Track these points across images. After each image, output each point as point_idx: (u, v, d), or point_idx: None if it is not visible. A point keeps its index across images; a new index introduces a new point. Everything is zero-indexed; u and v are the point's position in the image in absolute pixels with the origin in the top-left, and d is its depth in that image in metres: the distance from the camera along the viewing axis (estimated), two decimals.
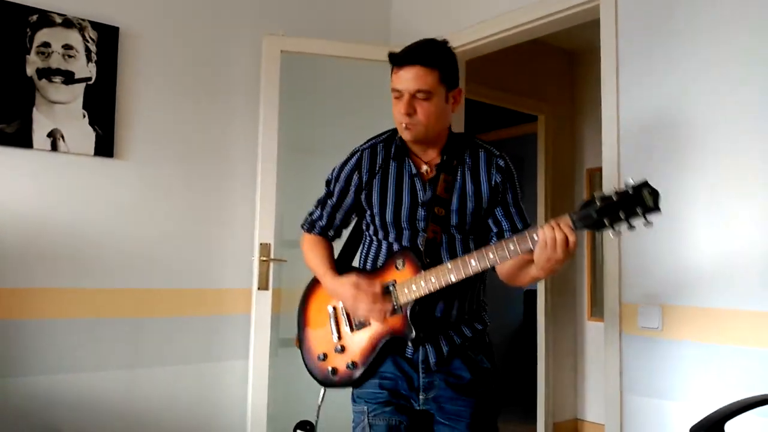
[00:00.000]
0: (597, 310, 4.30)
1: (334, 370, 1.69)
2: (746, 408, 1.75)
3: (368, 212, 1.73)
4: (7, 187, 2.40)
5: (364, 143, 1.77)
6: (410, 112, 1.59)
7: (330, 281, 1.71)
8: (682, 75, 2.27)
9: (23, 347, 2.41)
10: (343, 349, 1.68)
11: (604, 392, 2.44)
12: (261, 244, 2.85)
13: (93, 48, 2.59)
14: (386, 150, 1.72)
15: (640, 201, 1.31)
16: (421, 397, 1.64)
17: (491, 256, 1.47)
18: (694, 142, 2.23)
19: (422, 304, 1.59)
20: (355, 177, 1.73)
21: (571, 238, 1.38)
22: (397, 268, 1.62)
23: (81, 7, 2.57)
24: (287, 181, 2.97)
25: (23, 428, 2.37)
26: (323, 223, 1.81)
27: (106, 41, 2.62)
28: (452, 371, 1.64)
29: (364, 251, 1.76)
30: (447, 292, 1.60)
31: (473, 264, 1.50)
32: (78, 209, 2.55)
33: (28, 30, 2.44)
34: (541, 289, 4.37)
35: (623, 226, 1.34)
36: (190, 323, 2.80)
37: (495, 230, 1.69)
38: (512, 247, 1.45)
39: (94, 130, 2.58)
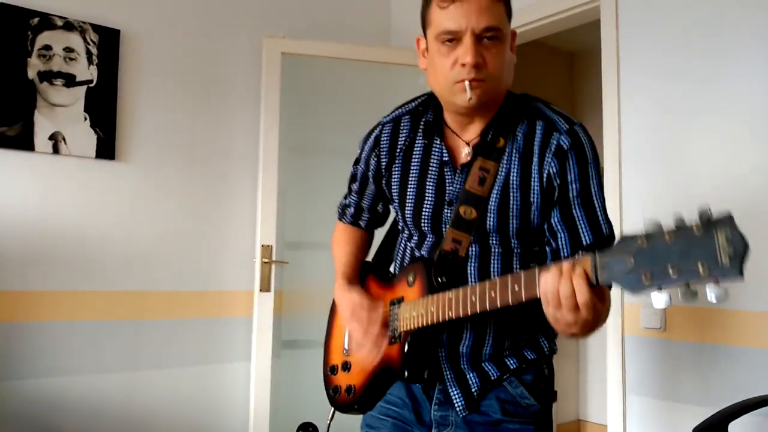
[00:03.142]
0: None
1: (336, 390, 1.37)
2: (749, 408, 1.75)
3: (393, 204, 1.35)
4: (8, 189, 2.40)
5: (389, 114, 1.36)
6: (479, 61, 1.10)
7: (337, 289, 1.40)
8: (683, 76, 2.27)
9: (24, 350, 2.41)
10: (348, 367, 1.35)
11: (606, 393, 2.44)
12: (262, 245, 2.85)
13: (94, 51, 2.59)
14: (413, 124, 1.29)
15: (708, 251, 0.71)
16: None
17: (493, 295, 1.01)
18: (695, 143, 2.23)
19: (433, 335, 1.20)
20: (373, 159, 1.34)
21: (582, 297, 0.86)
22: (408, 283, 1.24)
23: (82, 9, 2.58)
24: (288, 183, 2.97)
25: (25, 430, 2.37)
26: (352, 211, 1.47)
27: (107, 44, 2.62)
28: (479, 408, 1.23)
29: (397, 251, 1.39)
30: (477, 321, 1.18)
31: (473, 301, 1.05)
32: (79, 212, 2.55)
33: (29, 33, 2.45)
34: None
35: (679, 291, 0.74)
36: (191, 325, 2.80)
37: (552, 244, 1.18)
38: (516, 290, 0.97)
39: (96, 132, 2.58)
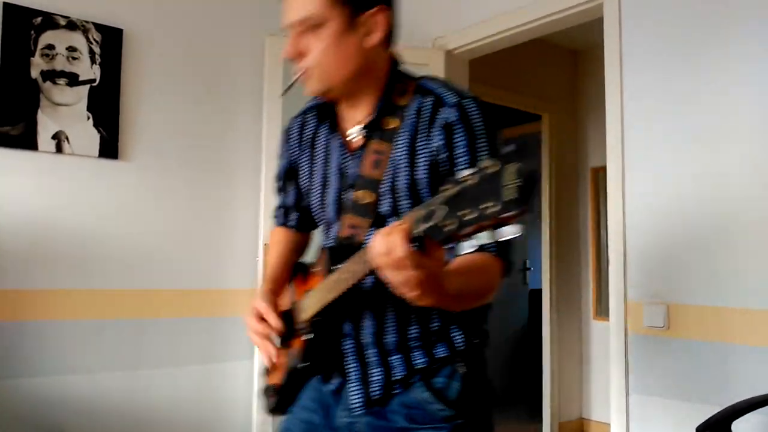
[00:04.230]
0: (602, 308, 4.29)
1: (265, 391, 1.34)
2: (753, 407, 1.75)
3: None
4: (12, 188, 2.41)
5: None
6: (294, 54, 1.14)
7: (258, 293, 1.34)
8: (686, 72, 2.26)
9: (27, 348, 2.41)
10: (274, 368, 1.31)
11: (609, 392, 2.43)
12: (265, 244, 2.85)
13: (97, 50, 2.59)
14: (318, 116, 1.31)
15: (498, 188, 0.69)
16: None
17: (355, 268, 0.98)
18: (699, 141, 2.22)
19: (334, 323, 1.17)
20: (286, 153, 1.38)
21: (398, 253, 0.81)
22: (315, 275, 1.23)
23: (85, 9, 2.58)
24: None
25: (27, 429, 2.38)
26: (281, 212, 1.46)
27: (110, 43, 2.62)
28: (383, 412, 1.15)
29: None
30: (376, 306, 1.15)
31: (344, 278, 1.01)
32: (82, 211, 2.56)
33: (32, 32, 2.45)
34: (546, 288, 4.36)
35: (481, 233, 0.73)
36: (194, 324, 2.80)
37: None
38: (366, 259, 0.91)
39: (99, 131, 2.58)
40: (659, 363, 2.28)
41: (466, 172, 0.74)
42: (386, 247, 0.82)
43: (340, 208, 1.21)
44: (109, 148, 2.60)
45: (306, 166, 1.30)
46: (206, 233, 2.87)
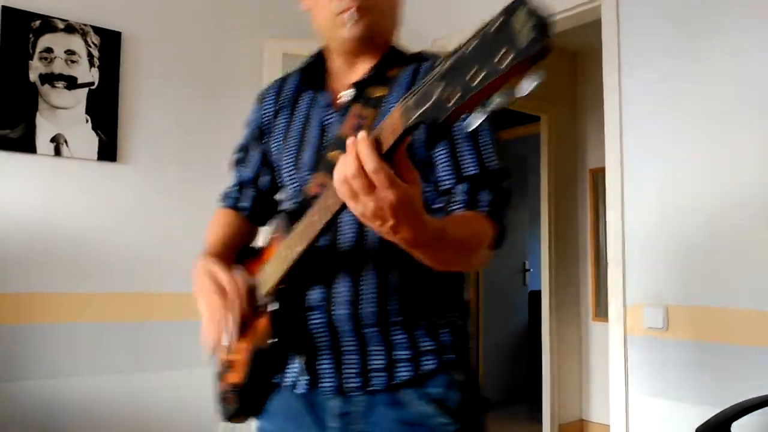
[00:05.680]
0: (602, 310, 4.29)
1: (223, 396, 1.17)
2: (752, 408, 1.75)
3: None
4: (11, 192, 2.41)
5: None
6: None
7: (195, 268, 1.13)
8: (684, 73, 2.27)
9: (27, 352, 2.41)
10: (230, 366, 1.12)
11: (609, 393, 2.43)
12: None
13: (95, 53, 2.59)
14: (303, 78, 1.21)
15: (508, 37, 0.57)
16: None
17: (328, 203, 0.82)
18: (696, 141, 2.22)
19: (301, 288, 1.01)
20: (257, 116, 1.28)
21: (371, 164, 0.68)
22: (270, 244, 1.11)
23: (83, 12, 2.58)
24: None
25: None
26: (235, 190, 1.30)
27: (109, 46, 2.62)
28: (369, 422, 1.00)
29: None
30: (356, 266, 0.99)
31: (314, 220, 0.87)
32: (81, 214, 2.55)
33: (30, 36, 2.45)
34: (545, 289, 4.36)
35: (493, 98, 0.61)
36: (193, 327, 2.78)
37: (440, 186, 1.03)
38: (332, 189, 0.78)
39: (97, 134, 2.58)
40: (659, 364, 2.28)
41: (461, 42, 0.60)
42: (354, 164, 0.68)
43: (316, 167, 1.09)
44: (108, 151, 2.60)
45: (282, 125, 1.19)
46: (204, 236, 2.87)
